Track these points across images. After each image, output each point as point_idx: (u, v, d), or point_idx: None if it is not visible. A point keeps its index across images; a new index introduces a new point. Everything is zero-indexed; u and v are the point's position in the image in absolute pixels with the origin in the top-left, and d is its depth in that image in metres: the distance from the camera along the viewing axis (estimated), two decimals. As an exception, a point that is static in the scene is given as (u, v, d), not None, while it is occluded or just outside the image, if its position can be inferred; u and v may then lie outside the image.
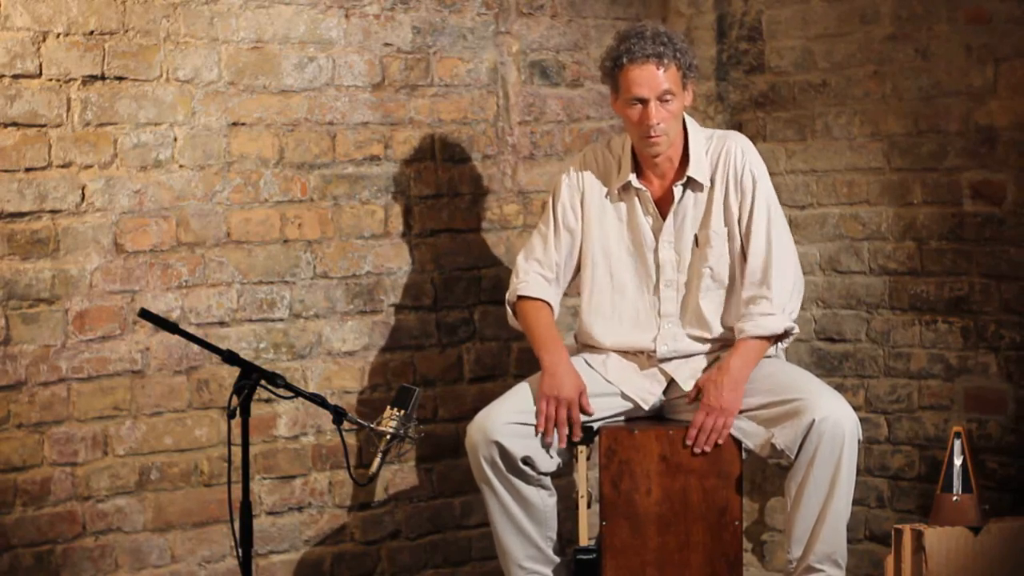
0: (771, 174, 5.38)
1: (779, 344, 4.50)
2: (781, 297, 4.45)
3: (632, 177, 4.55)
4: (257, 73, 4.76)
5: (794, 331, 4.49)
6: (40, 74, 4.38)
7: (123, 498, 4.57)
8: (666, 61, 4.39)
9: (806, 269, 5.34)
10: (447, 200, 5.16)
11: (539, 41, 5.32)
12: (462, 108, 5.17)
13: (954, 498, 4.70)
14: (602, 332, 4.60)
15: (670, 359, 4.55)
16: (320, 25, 4.86)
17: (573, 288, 4.76)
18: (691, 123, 4.57)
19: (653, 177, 4.56)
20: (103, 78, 4.48)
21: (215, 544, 4.71)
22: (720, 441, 4.40)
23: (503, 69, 5.24)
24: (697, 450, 4.41)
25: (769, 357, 4.51)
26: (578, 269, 4.67)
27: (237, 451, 3.88)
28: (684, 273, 4.54)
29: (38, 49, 4.37)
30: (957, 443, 4.74)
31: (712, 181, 4.52)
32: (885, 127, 5.14)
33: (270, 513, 4.83)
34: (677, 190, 4.52)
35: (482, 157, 5.22)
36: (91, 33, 4.45)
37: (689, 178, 4.51)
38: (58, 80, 4.40)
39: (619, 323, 4.59)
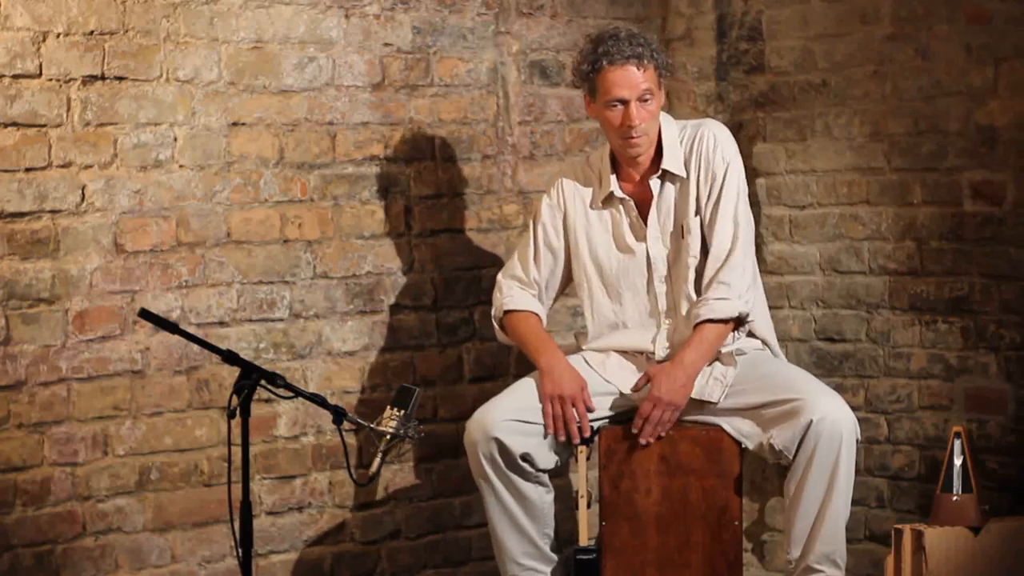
0: (771, 174, 5.41)
1: (735, 333, 4.46)
2: (739, 285, 4.43)
3: (614, 187, 4.55)
4: (257, 73, 4.76)
5: (749, 319, 4.47)
6: (40, 74, 4.38)
7: (123, 498, 4.57)
8: (645, 62, 4.40)
9: (806, 269, 5.34)
10: (447, 200, 5.16)
11: (539, 41, 5.32)
12: (462, 108, 5.17)
13: (954, 498, 4.70)
14: (607, 339, 4.62)
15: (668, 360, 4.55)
16: (320, 25, 4.86)
17: (572, 288, 4.76)
18: (665, 117, 4.57)
19: (634, 174, 4.56)
20: (103, 78, 4.48)
21: (215, 544, 4.72)
22: (663, 434, 4.40)
23: (503, 69, 5.24)
24: (643, 441, 4.40)
25: (764, 350, 4.52)
26: (562, 287, 4.68)
27: (237, 451, 3.89)
28: (674, 266, 4.54)
29: (38, 49, 4.37)
30: (957, 443, 4.74)
31: (687, 169, 4.51)
32: (885, 127, 5.14)
33: (270, 513, 4.83)
34: (654, 184, 4.52)
35: (482, 157, 5.22)
36: (91, 33, 4.45)
37: (664, 170, 4.51)
38: (58, 80, 4.40)
39: (624, 328, 4.60)
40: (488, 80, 5.21)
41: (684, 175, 4.51)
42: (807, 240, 5.34)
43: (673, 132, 4.54)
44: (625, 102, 4.41)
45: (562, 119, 5.37)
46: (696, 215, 4.50)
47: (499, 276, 4.69)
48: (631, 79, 4.40)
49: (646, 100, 4.42)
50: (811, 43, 5.31)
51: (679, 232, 4.53)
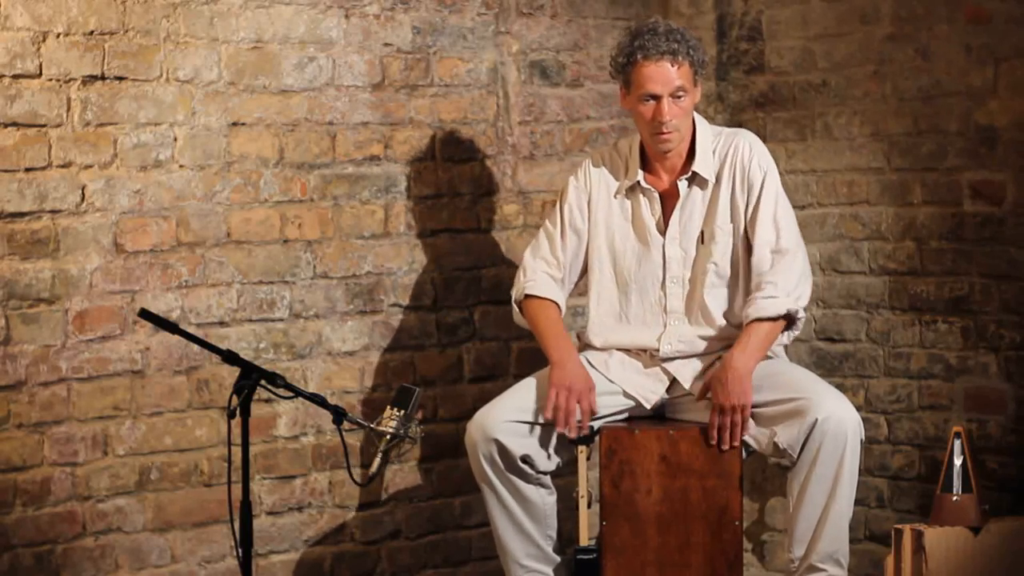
0: (771, 174, 5.39)
1: (789, 331, 4.46)
2: (787, 283, 4.42)
3: (640, 177, 4.55)
4: (257, 73, 4.76)
5: (800, 316, 4.45)
6: (40, 74, 4.37)
7: (123, 498, 4.57)
8: (680, 58, 4.40)
9: (806, 269, 5.34)
10: (447, 200, 5.16)
11: (539, 41, 5.32)
12: (462, 108, 5.17)
13: (954, 498, 4.70)
14: (610, 332, 4.61)
15: (673, 359, 4.55)
16: (320, 25, 4.86)
17: (576, 288, 4.76)
18: (699, 119, 4.57)
19: (662, 172, 4.56)
20: (103, 78, 4.48)
21: (215, 544, 4.71)
22: (745, 435, 4.37)
23: (503, 69, 5.24)
24: (725, 447, 4.37)
25: (769, 358, 4.51)
26: (583, 271, 4.67)
27: (237, 451, 3.89)
28: (690, 269, 4.54)
29: (38, 49, 4.37)
30: (957, 443, 4.74)
31: (719, 177, 4.51)
32: (885, 127, 5.14)
33: (270, 513, 4.83)
34: (682, 185, 4.52)
35: (482, 157, 5.22)
36: (91, 33, 4.45)
37: (694, 173, 4.51)
38: (58, 80, 4.40)
39: (627, 323, 4.60)
40: (488, 80, 5.21)
41: (713, 180, 4.50)
42: (807, 240, 5.31)
43: (707, 137, 4.54)
44: (657, 97, 4.41)
45: (562, 119, 5.37)
46: (731, 222, 4.49)
47: (526, 255, 4.65)
48: (665, 75, 4.40)
49: (679, 97, 4.41)
50: (811, 43, 5.31)
51: (700, 237, 4.52)
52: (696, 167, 4.51)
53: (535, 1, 5.30)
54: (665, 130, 4.43)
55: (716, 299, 4.52)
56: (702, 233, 4.53)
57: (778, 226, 4.47)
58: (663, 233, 4.55)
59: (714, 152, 4.53)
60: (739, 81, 5.51)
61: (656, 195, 4.55)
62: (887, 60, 5.12)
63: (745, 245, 4.51)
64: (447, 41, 5.12)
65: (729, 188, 4.51)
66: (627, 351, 4.59)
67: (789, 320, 4.44)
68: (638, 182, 4.56)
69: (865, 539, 5.19)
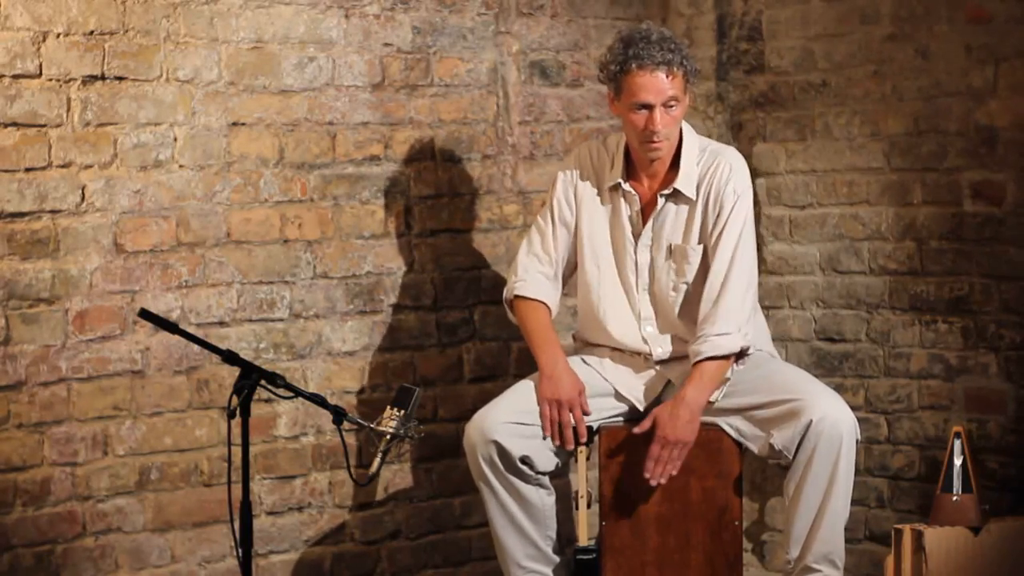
0: (771, 174, 5.41)
1: (736, 364, 4.44)
2: (737, 317, 4.39)
3: (622, 180, 4.54)
4: (257, 73, 4.76)
5: (750, 351, 4.45)
6: (40, 74, 4.38)
7: (123, 498, 4.57)
8: (675, 68, 4.37)
9: (806, 269, 5.34)
10: (447, 200, 5.16)
11: (539, 41, 5.32)
12: (462, 108, 5.17)
13: (954, 498, 4.70)
14: (592, 328, 4.61)
15: (667, 361, 4.54)
16: (320, 25, 4.86)
17: (573, 288, 4.76)
18: (688, 130, 4.54)
19: (644, 178, 4.54)
20: (103, 78, 4.48)
21: (215, 544, 4.72)
22: (674, 472, 4.36)
23: (503, 69, 5.24)
24: (653, 483, 4.36)
25: (762, 351, 4.51)
26: (575, 264, 4.67)
27: (237, 451, 3.88)
28: (659, 280, 4.52)
29: (38, 49, 4.37)
30: (957, 443, 4.74)
31: (697, 196, 4.49)
32: (885, 127, 5.14)
33: (270, 513, 4.83)
34: (661, 199, 4.50)
35: (482, 157, 5.22)
36: (91, 33, 4.45)
37: (675, 189, 4.49)
38: (58, 80, 4.40)
39: (607, 321, 4.58)
40: (488, 80, 5.21)
41: (694, 198, 4.49)
42: (807, 240, 5.34)
43: (693, 151, 4.50)
44: (650, 107, 4.38)
45: (562, 119, 5.37)
46: (699, 243, 4.48)
47: (520, 252, 4.63)
48: (659, 85, 4.36)
49: (671, 106, 4.39)
50: (811, 43, 5.31)
51: (667, 251, 4.51)
52: (679, 184, 4.47)
53: (535, 1, 5.30)
54: (656, 139, 4.40)
55: (688, 314, 4.50)
56: (671, 247, 4.50)
57: (735, 258, 4.42)
58: (636, 239, 4.54)
59: (697, 164, 4.49)
60: (739, 81, 5.51)
61: (636, 198, 4.54)
62: (887, 60, 5.12)
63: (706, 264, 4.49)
64: (447, 41, 5.12)
65: (702, 207, 4.48)
66: (621, 353, 4.58)
67: (738, 355, 4.43)
68: (619, 184, 4.55)
69: (865, 539, 5.19)
